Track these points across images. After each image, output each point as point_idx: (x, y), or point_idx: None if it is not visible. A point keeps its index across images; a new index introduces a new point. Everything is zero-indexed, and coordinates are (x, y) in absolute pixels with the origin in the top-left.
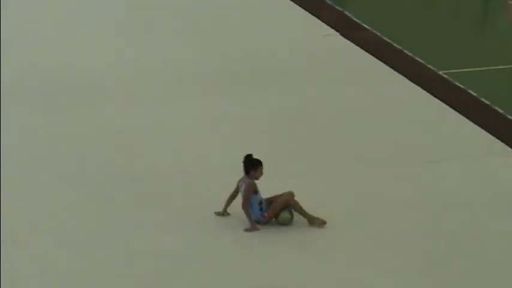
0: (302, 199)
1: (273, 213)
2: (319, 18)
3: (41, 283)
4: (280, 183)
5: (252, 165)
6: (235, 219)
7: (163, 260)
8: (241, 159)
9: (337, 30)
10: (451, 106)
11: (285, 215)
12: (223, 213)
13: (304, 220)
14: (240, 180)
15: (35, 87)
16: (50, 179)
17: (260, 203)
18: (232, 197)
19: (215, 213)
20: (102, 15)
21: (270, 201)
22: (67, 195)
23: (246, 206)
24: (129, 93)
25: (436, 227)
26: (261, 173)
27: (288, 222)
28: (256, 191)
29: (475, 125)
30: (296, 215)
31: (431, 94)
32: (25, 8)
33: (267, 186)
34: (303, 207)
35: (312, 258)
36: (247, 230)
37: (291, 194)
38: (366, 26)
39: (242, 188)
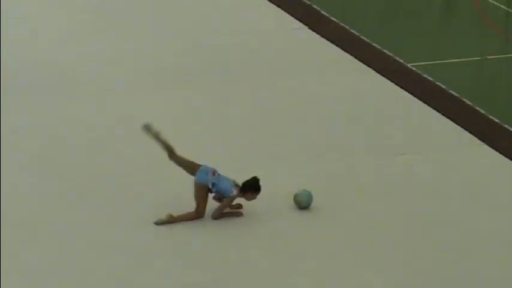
0: (275, 189)
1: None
2: (287, 12)
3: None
4: (254, 173)
5: (255, 188)
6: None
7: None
8: (211, 151)
9: (305, 24)
10: (419, 98)
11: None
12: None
13: (278, 210)
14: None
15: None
16: (19, 170)
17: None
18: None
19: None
20: (69, 10)
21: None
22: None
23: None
24: (99, 87)
25: (408, 217)
26: (254, 198)
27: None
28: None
29: (444, 117)
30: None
31: (400, 87)
32: None
33: (242, 177)
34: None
35: (287, 248)
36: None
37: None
38: (334, 19)
39: (215, 193)
